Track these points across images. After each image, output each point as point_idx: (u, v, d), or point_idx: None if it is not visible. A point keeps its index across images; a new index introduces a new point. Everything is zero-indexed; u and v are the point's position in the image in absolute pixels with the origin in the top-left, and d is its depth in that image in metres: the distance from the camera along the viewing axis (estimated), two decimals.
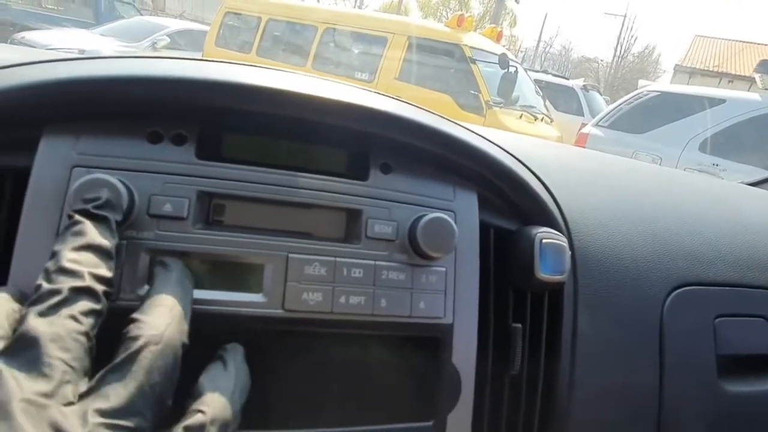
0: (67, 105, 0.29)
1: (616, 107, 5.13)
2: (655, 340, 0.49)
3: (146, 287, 0.28)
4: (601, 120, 4.88)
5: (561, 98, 6.95)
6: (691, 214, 0.62)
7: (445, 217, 0.33)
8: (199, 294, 0.29)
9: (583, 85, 7.46)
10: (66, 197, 0.28)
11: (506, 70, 4.22)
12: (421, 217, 0.33)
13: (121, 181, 0.28)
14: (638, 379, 0.47)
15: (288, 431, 0.30)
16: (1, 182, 0.30)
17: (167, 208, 0.29)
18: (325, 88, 0.33)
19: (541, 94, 5.33)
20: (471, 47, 4.28)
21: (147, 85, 0.30)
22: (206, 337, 0.27)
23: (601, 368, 0.44)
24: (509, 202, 0.39)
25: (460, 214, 0.35)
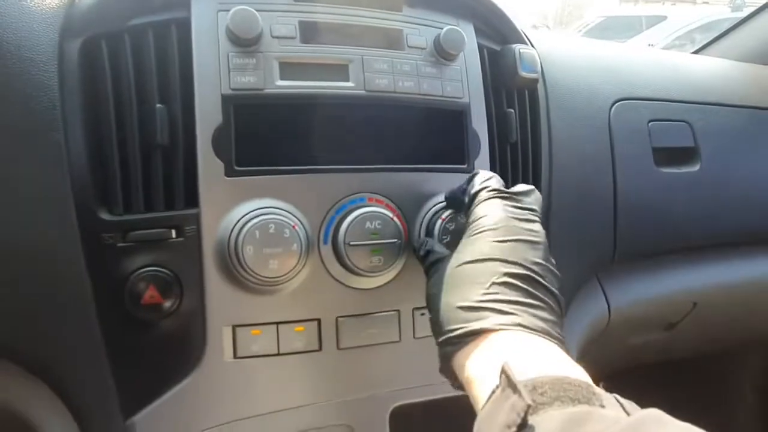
0: None
1: None
2: (606, 136, 0.68)
3: None
4: None
5: None
6: (630, 56, 0.82)
7: (456, 27, 0.50)
8: (314, 83, 0.46)
9: (533, 25, 7.65)
10: (218, 32, 0.44)
11: None
12: (440, 31, 0.50)
13: (254, 14, 0.43)
14: (597, 162, 0.66)
15: (368, 165, 0.47)
16: (169, 31, 0.45)
17: (284, 31, 0.45)
18: None
19: None
20: None
21: None
22: (321, 106, 0.44)
23: (569, 150, 0.63)
24: (494, 29, 0.57)
25: (464, 32, 0.52)
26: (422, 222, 0.48)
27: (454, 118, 0.51)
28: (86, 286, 0.42)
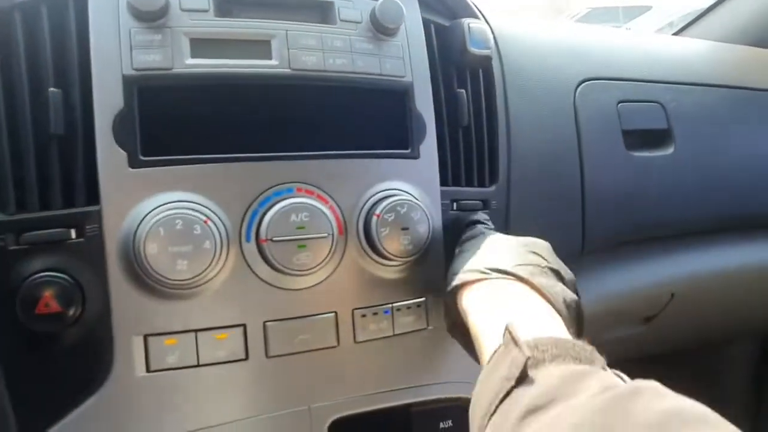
0: None
1: None
2: (571, 119, 0.63)
3: None
4: None
5: None
6: (597, 36, 0.77)
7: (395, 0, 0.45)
8: (231, 62, 0.41)
9: None
10: (118, 5, 0.39)
11: None
12: (376, 4, 0.45)
13: None
14: (562, 147, 0.62)
15: (296, 153, 0.43)
16: (65, 7, 0.40)
17: (195, 3, 0.40)
18: None
19: None
20: None
21: None
22: (239, 87, 0.39)
23: (530, 135, 0.58)
24: (442, 3, 0.52)
25: (405, 5, 0.48)
26: (360, 214, 0.44)
27: (395, 98, 0.46)
28: None
